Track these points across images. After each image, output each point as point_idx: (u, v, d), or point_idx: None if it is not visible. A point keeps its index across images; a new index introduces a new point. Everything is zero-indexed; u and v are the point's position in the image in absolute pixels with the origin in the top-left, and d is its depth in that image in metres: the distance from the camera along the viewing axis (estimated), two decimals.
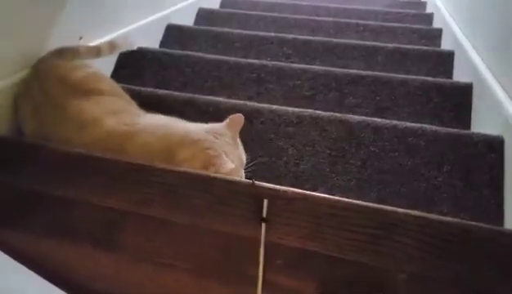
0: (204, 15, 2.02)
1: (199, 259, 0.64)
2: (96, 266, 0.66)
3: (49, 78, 0.89)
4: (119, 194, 0.70)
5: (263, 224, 0.63)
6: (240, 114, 0.85)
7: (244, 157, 0.86)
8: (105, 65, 1.28)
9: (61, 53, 0.97)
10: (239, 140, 0.86)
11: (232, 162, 0.77)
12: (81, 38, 1.17)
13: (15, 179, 0.75)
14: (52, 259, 0.66)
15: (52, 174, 0.74)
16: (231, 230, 0.65)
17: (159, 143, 0.80)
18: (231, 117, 0.85)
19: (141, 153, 0.78)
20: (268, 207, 0.65)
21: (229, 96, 1.21)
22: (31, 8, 0.96)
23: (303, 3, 2.27)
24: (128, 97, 0.96)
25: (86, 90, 0.89)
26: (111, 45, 1.12)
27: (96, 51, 1.07)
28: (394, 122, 1.00)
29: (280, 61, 1.47)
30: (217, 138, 0.80)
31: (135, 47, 1.17)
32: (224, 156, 0.76)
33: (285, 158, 0.97)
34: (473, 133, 0.97)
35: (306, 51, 1.56)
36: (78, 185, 0.72)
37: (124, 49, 1.19)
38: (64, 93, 0.87)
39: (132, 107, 0.93)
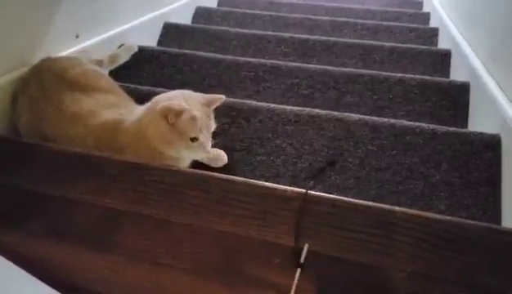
0: (201, 14, 2.02)
1: (197, 259, 0.64)
2: (94, 267, 0.65)
3: (48, 74, 0.90)
4: (116, 194, 0.69)
5: (298, 270, 0.59)
6: (223, 96, 0.84)
7: (213, 127, 0.84)
8: None
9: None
10: (212, 114, 0.84)
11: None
12: (77, 36, 1.16)
13: (11, 179, 0.74)
14: (48, 260, 0.65)
15: (50, 174, 0.74)
16: (229, 230, 0.65)
17: (135, 125, 0.80)
18: (213, 95, 0.85)
19: (126, 139, 0.79)
20: (266, 206, 0.65)
21: (227, 95, 1.19)
22: (28, 6, 0.95)
23: (301, 2, 2.26)
24: (125, 95, 0.97)
25: (83, 86, 0.89)
26: (112, 58, 1.18)
27: (96, 63, 1.10)
28: (392, 120, 1.00)
29: (278, 60, 1.47)
30: (186, 100, 0.79)
31: (136, 49, 1.25)
32: (185, 104, 0.76)
33: (283, 157, 0.97)
34: (471, 132, 0.97)
35: (304, 49, 1.55)
36: (75, 185, 0.71)
37: (128, 57, 1.24)
38: (61, 88, 0.88)
39: (130, 103, 0.93)
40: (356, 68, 1.42)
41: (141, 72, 1.34)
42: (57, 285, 0.59)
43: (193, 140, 0.76)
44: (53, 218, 0.70)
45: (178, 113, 0.75)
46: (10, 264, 0.59)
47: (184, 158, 0.83)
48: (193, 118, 0.75)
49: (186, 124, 0.76)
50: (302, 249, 0.60)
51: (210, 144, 0.80)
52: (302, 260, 0.60)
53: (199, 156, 0.83)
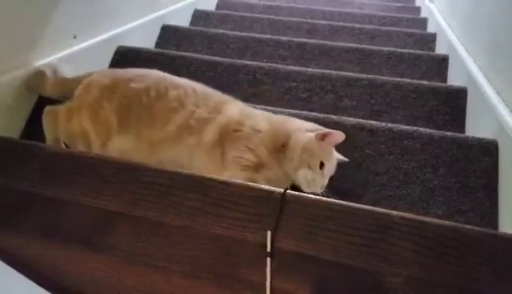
0: (199, 17, 2.02)
1: (192, 261, 0.63)
2: (87, 268, 0.64)
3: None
4: (111, 195, 0.69)
5: (268, 259, 0.60)
6: (341, 133, 0.81)
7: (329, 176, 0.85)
8: (100, 66, 1.27)
9: None
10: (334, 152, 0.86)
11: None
12: (75, 37, 1.16)
13: (5, 179, 0.73)
14: (42, 261, 0.65)
15: (43, 174, 0.73)
16: (225, 233, 0.64)
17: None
18: (332, 132, 0.82)
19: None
20: (263, 209, 0.64)
21: None
22: (27, 7, 0.95)
23: (299, 6, 2.27)
24: None
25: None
26: None
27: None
28: (390, 124, 1.00)
29: (276, 63, 1.47)
30: None
31: None
32: None
33: None
34: (468, 137, 0.97)
35: (301, 53, 1.56)
36: (69, 186, 0.71)
37: None
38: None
39: None
40: (354, 72, 1.42)
41: None
42: (49, 286, 0.58)
43: (321, 166, 0.80)
44: (46, 219, 0.69)
45: (328, 135, 0.81)
46: (1, 264, 0.58)
47: (290, 179, 0.83)
48: (333, 144, 0.83)
49: (328, 149, 0.82)
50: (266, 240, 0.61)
51: (324, 184, 0.82)
52: (268, 249, 0.60)
53: (310, 186, 0.81)
